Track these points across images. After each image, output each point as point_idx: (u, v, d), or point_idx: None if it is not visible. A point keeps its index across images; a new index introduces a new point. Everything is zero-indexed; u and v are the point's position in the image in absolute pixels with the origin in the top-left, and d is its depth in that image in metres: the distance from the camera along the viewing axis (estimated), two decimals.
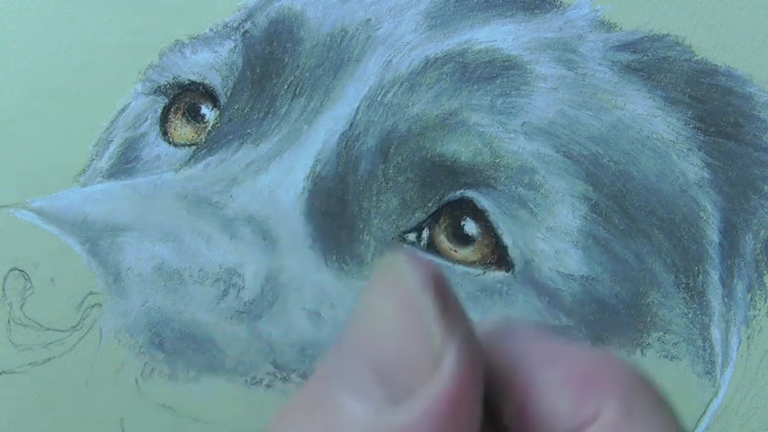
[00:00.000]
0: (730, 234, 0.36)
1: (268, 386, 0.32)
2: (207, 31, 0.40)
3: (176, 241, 0.33)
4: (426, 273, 0.17)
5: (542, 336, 0.19)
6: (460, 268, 0.34)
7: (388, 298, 0.17)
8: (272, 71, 0.38)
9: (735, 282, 0.36)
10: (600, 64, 0.37)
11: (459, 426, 0.16)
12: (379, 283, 0.18)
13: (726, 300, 0.36)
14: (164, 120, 0.40)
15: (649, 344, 0.35)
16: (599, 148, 0.35)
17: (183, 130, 0.40)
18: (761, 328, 0.36)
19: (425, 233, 0.35)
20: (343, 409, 0.16)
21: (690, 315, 0.35)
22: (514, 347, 0.18)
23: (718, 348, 0.36)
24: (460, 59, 0.36)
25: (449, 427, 0.16)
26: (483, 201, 0.35)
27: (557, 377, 0.18)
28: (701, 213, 0.36)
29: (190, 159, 0.38)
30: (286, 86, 0.38)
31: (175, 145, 0.40)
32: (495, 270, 0.34)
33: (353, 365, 0.17)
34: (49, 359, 0.33)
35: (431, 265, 0.17)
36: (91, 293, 0.33)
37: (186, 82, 0.40)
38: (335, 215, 0.35)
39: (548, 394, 0.18)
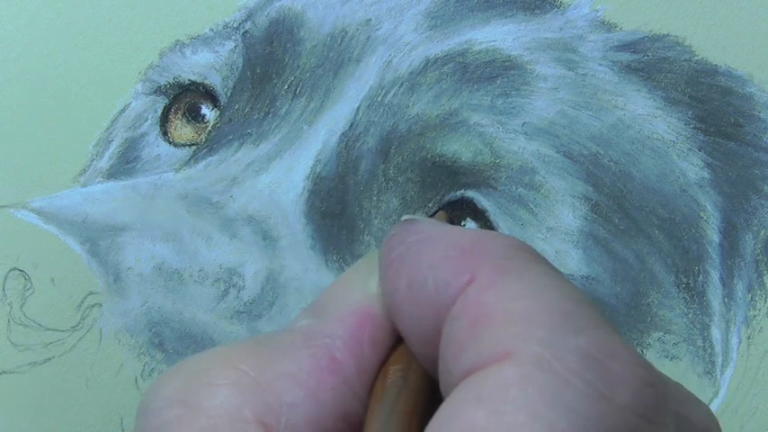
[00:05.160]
0: (730, 234, 0.36)
1: None
2: (207, 31, 0.40)
3: (176, 241, 0.33)
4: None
5: (433, 224, 0.21)
6: None
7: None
8: (272, 71, 0.38)
9: (735, 282, 0.36)
10: (600, 64, 0.37)
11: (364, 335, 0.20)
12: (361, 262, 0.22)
13: (726, 300, 0.36)
14: (164, 120, 0.40)
15: (649, 344, 0.35)
16: (599, 148, 0.35)
17: (183, 130, 0.40)
18: (761, 328, 0.36)
19: None
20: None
21: (690, 315, 0.35)
22: (410, 237, 0.20)
23: (718, 348, 0.36)
24: (461, 60, 0.36)
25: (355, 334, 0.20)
26: (483, 201, 0.35)
27: (439, 251, 0.19)
28: (701, 213, 0.36)
29: (190, 159, 0.38)
30: (286, 87, 0.38)
31: (175, 145, 0.40)
32: None
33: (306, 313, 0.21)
34: (49, 359, 0.33)
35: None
36: (91, 293, 0.33)
37: (186, 82, 0.40)
38: (336, 215, 0.35)
39: (431, 267, 0.19)
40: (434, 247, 0.19)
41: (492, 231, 0.20)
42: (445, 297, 0.18)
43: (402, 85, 0.36)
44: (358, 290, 0.21)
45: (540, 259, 0.19)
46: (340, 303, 0.21)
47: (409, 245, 0.20)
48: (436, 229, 0.20)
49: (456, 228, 0.20)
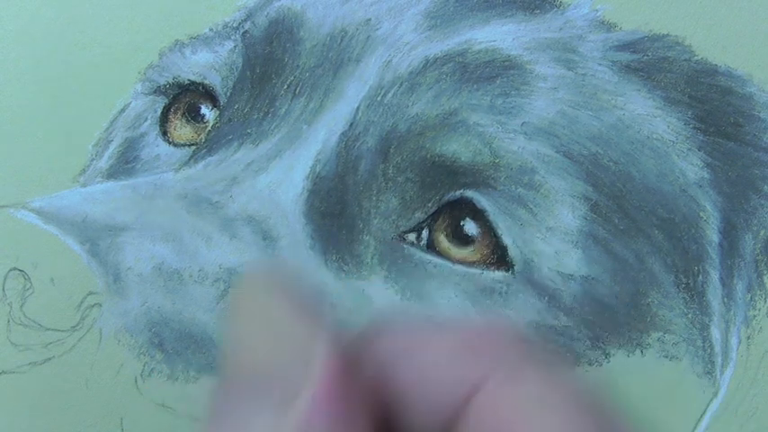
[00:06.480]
0: (730, 234, 0.36)
1: None
2: (207, 31, 0.40)
3: (176, 241, 0.33)
4: (275, 284, 0.18)
5: (419, 326, 0.19)
6: (460, 268, 0.34)
7: (250, 317, 0.18)
8: (271, 71, 0.38)
9: (735, 282, 0.36)
10: (600, 64, 0.37)
11: (344, 416, 0.16)
12: (239, 304, 0.18)
13: (726, 300, 0.36)
14: (164, 120, 0.40)
15: (649, 344, 0.35)
16: (599, 148, 0.35)
17: (182, 130, 0.40)
18: (761, 328, 0.36)
19: (425, 233, 0.35)
20: (248, 419, 0.17)
21: (690, 315, 0.35)
22: (394, 343, 0.18)
23: (717, 348, 0.36)
24: (460, 59, 0.36)
25: (335, 421, 0.16)
26: (483, 201, 0.35)
27: (440, 353, 0.18)
28: (701, 213, 0.36)
29: (190, 159, 0.38)
30: (286, 86, 0.38)
31: (175, 145, 0.40)
32: (494, 270, 0.35)
33: (247, 383, 0.17)
34: (49, 359, 0.33)
35: (279, 275, 0.18)
36: (91, 293, 0.33)
37: (186, 82, 0.40)
38: (335, 215, 0.35)
39: (432, 371, 0.17)
40: (436, 347, 0.18)
41: (494, 325, 0.18)
42: (452, 400, 0.17)
43: (402, 84, 0.36)
44: (301, 364, 0.17)
45: (548, 361, 0.18)
46: (297, 386, 0.17)
47: (405, 351, 0.18)
48: (429, 332, 0.18)
49: (450, 324, 0.19)
